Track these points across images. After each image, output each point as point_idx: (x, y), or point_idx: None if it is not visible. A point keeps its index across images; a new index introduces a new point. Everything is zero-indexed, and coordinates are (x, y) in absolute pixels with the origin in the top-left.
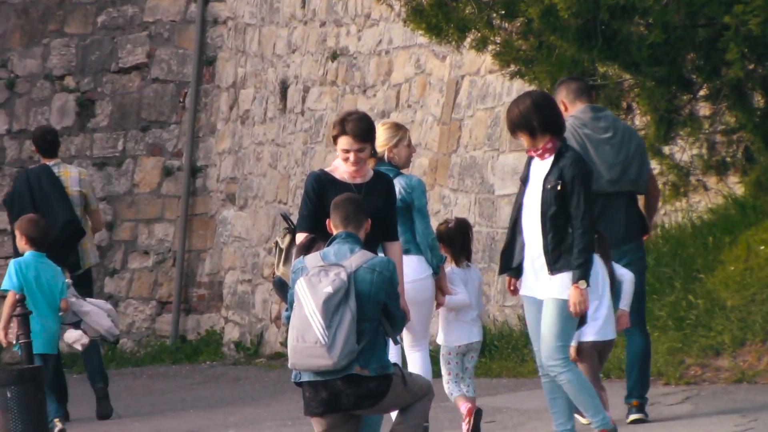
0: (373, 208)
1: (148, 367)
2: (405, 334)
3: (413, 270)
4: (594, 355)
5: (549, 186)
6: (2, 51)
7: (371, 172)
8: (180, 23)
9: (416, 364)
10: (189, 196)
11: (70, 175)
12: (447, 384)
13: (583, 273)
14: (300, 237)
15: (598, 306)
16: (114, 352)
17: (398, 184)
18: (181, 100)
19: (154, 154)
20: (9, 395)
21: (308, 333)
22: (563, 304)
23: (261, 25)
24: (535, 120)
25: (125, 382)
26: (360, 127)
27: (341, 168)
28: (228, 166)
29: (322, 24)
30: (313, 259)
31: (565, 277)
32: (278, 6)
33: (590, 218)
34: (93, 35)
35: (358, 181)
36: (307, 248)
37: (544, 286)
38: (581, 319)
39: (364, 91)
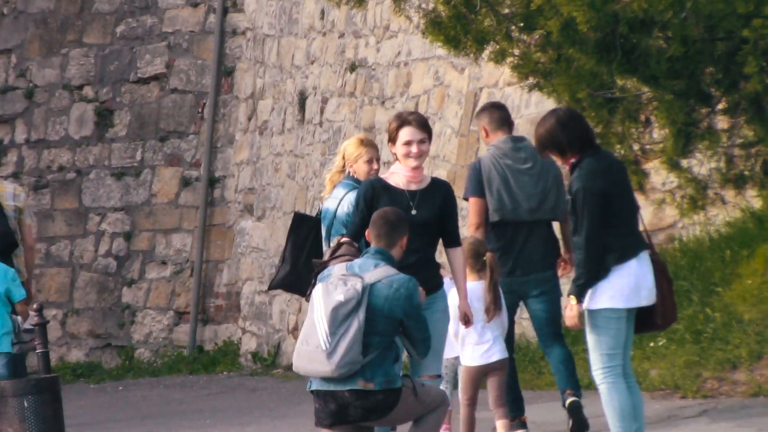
0: (426, 215)
1: (165, 377)
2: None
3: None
4: (477, 377)
5: (567, 201)
6: (21, 61)
7: (429, 179)
8: (199, 34)
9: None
10: (207, 206)
11: (5, 190)
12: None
13: (575, 288)
14: (340, 240)
15: (482, 329)
16: (132, 361)
17: (348, 199)
18: (200, 110)
19: (172, 164)
20: (26, 405)
21: (312, 337)
22: (589, 315)
23: (280, 36)
24: (564, 138)
25: (142, 391)
26: (422, 118)
27: (400, 172)
28: (246, 177)
29: (341, 35)
30: (339, 268)
31: (595, 289)
32: (297, 17)
33: (588, 234)
34: (112, 45)
35: (413, 187)
36: (333, 250)
37: None
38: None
39: (383, 103)
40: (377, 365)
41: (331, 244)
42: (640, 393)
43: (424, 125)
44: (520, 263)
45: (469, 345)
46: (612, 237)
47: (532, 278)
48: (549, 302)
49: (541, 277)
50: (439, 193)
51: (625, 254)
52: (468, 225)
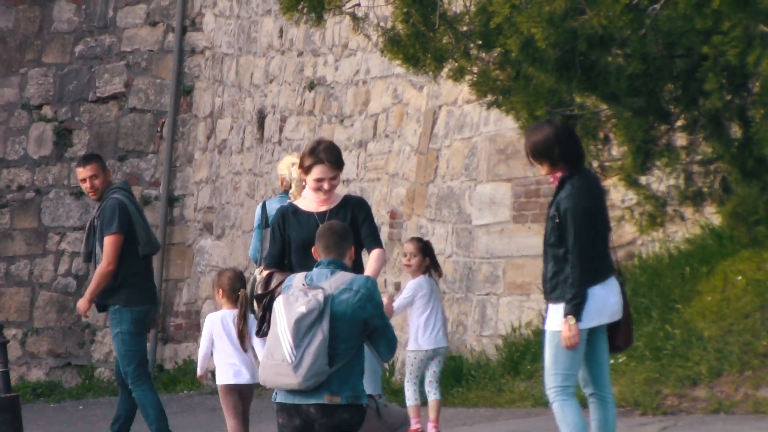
0: None
1: None
2: None
3: None
4: (234, 395)
5: (549, 216)
6: None
7: (340, 198)
8: (157, 53)
9: None
10: (166, 225)
11: None
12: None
13: (571, 308)
14: (263, 273)
15: (235, 352)
16: (92, 380)
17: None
18: (159, 129)
19: (131, 184)
20: None
21: (277, 351)
22: (553, 335)
23: (238, 54)
24: (557, 149)
25: (102, 410)
26: (334, 155)
27: (309, 197)
28: (205, 196)
29: (300, 54)
30: (298, 279)
31: (559, 308)
32: (256, 36)
33: (581, 252)
34: (71, 65)
35: (323, 209)
36: (265, 285)
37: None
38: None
39: (342, 121)
40: (344, 379)
41: (256, 277)
42: (614, 409)
43: (336, 163)
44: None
45: (224, 365)
46: None
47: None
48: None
49: None
50: (348, 209)
51: (594, 278)
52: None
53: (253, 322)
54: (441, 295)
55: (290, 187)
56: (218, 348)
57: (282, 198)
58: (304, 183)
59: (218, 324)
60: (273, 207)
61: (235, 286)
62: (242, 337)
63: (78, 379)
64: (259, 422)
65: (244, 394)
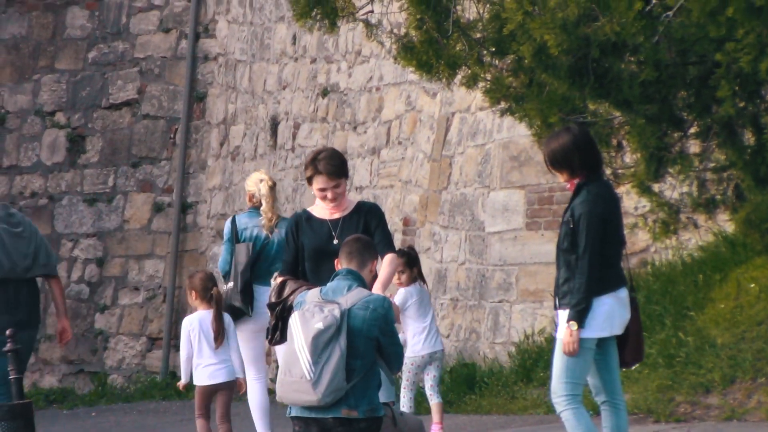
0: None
1: (138, 402)
2: (249, 366)
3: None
4: (208, 395)
5: (564, 221)
6: None
7: (354, 204)
8: (171, 59)
9: (256, 395)
10: (179, 232)
11: None
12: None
13: (574, 314)
14: (277, 280)
15: (212, 353)
16: (105, 387)
17: (284, 228)
18: (172, 136)
19: (144, 190)
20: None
21: (295, 367)
22: (559, 343)
23: (251, 61)
24: (577, 157)
25: (115, 417)
26: (333, 165)
27: (321, 204)
28: (218, 203)
29: (313, 61)
30: (313, 294)
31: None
32: (269, 42)
33: (590, 259)
34: (84, 71)
35: (336, 216)
36: (278, 293)
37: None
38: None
39: (355, 128)
40: (361, 393)
41: (271, 284)
42: (627, 416)
43: (336, 172)
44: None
45: (201, 366)
46: None
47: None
48: None
49: (27, 335)
50: (360, 216)
51: (605, 287)
52: None
53: (230, 320)
54: (432, 301)
55: (260, 203)
56: (197, 350)
57: (251, 214)
58: (260, 200)
59: (196, 326)
60: (243, 222)
61: (207, 287)
62: (219, 336)
63: (91, 385)
64: (273, 429)
65: (223, 393)
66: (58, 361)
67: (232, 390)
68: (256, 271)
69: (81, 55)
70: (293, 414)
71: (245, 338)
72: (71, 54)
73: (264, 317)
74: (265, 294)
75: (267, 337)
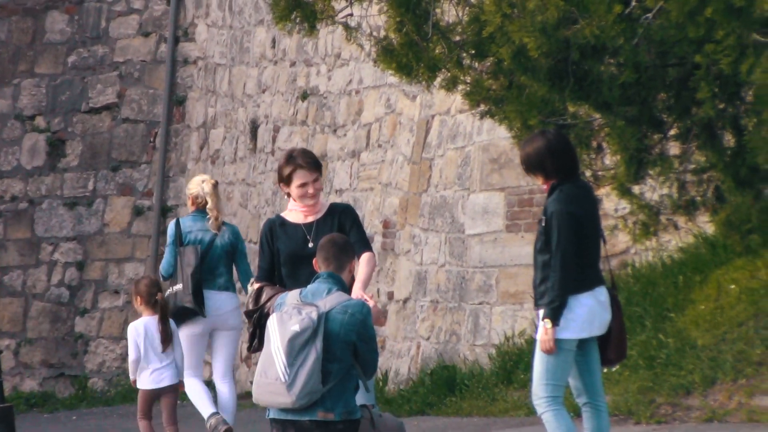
0: None
1: (118, 406)
2: (217, 366)
3: (224, 303)
4: (150, 398)
5: (538, 221)
6: None
7: (326, 206)
8: (150, 63)
9: (225, 396)
10: (159, 235)
11: None
12: None
13: (549, 311)
14: (254, 287)
15: (157, 357)
16: (85, 391)
17: (227, 232)
18: (152, 139)
19: (124, 194)
20: None
21: (271, 369)
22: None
23: (231, 65)
24: (550, 162)
25: (96, 421)
26: (310, 158)
27: (296, 209)
28: None
29: (292, 64)
30: (292, 296)
31: None
32: (248, 46)
33: (563, 256)
34: (63, 75)
35: (310, 219)
36: (255, 300)
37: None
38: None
39: (335, 131)
40: (337, 396)
41: (248, 290)
42: (608, 418)
43: (315, 164)
44: None
45: (146, 370)
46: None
47: None
48: None
49: None
50: (335, 217)
51: (582, 286)
52: None
53: (174, 326)
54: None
55: (205, 202)
56: (143, 355)
57: (195, 216)
58: (204, 200)
59: (141, 331)
60: (187, 225)
61: (152, 292)
62: (165, 341)
63: (71, 389)
64: (187, 419)
65: (168, 395)
66: (38, 365)
67: (177, 392)
68: (202, 274)
69: (61, 60)
70: (271, 416)
71: (189, 341)
72: (51, 58)
73: (210, 320)
74: (210, 297)
75: (247, 346)
